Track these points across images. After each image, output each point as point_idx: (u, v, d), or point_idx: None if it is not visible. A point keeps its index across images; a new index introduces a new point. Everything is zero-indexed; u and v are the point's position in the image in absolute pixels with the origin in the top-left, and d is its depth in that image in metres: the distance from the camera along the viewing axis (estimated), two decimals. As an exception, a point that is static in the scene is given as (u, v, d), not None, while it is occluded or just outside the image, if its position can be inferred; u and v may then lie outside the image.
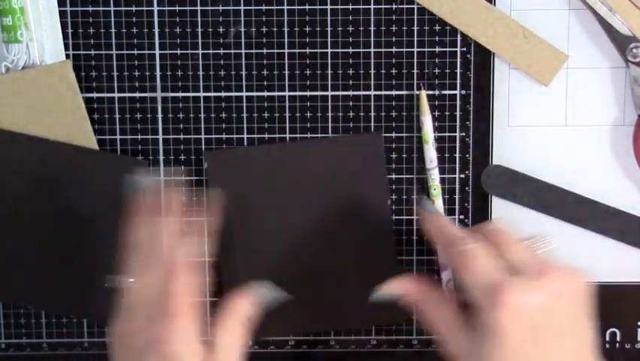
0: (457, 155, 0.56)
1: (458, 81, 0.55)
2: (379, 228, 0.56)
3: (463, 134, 0.56)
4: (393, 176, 0.56)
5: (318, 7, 0.55)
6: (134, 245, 0.49)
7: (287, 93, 0.55)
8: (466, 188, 0.56)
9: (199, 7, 0.55)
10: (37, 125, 0.55)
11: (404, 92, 0.55)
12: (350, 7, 0.54)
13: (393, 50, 0.55)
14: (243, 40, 0.55)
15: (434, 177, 0.55)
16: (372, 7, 0.55)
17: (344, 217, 0.56)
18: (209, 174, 0.56)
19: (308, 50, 0.55)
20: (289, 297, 0.54)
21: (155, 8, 0.55)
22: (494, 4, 0.54)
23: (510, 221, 0.52)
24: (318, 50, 0.55)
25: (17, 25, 0.53)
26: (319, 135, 0.55)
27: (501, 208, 0.56)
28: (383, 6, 0.54)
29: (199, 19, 0.55)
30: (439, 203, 0.56)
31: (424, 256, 0.57)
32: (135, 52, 0.55)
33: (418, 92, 0.55)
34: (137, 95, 0.55)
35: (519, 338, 0.44)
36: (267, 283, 0.53)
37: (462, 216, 0.56)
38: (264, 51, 0.55)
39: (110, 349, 0.48)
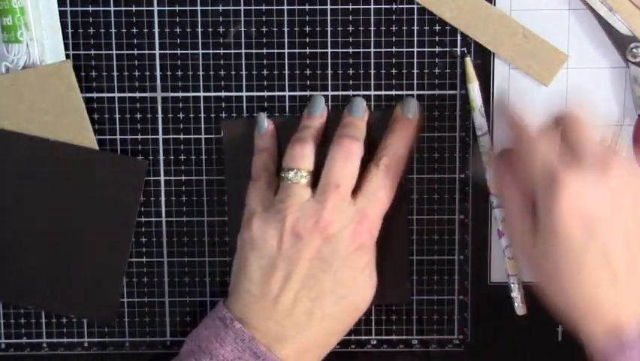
0: (457, 155, 0.56)
1: (458, 81, 0.55)
2: (393, 215, 0.55)
3: (463, 134, 0.56)
4: (394, 176, 0.56)
5: (318, 7, 0.54)
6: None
7: (287, 93, 0.55)
8: (466, 188, 0.56)
9: (199, 7, 0.55)
10: (37, 125, 0.55)
11: (404, 92, 0.55)
12: (350, 7, 0.54)
13: (393, 50, 0.55)
14: (243, 40, 0.55)
15: (484, 144, 0.55)
16: (372, 7, 0.55)
17: None
18: (224, 142, 0.55)
19: (308, 50, 0.55)
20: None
21: (155, 8, 0.55)
22: (494, 4, 0.54)
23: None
24: (318, 50, 0.55)
25: (17, 25, 0.53)
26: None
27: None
28: (383, 6, 0.54)
29: (199, 19, 0.55)
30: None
31: (424, 255, 0.57)
32: (135, 52, 0.55)
33: (461, 59, 0.55)
34: (137, 95, 0.55)
35: (576, 233, 0.44)
36: None
37: (462, 216, 0.56)
38: (264, 51, 0.55)
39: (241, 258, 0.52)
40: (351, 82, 0.55)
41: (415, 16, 0.55)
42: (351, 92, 0.55)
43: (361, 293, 0.52)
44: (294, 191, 0.51)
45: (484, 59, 0.55)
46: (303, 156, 0.51)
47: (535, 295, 0.50)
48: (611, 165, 0.45)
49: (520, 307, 0.55)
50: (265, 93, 0.55)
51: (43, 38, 0.54)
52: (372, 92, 0.55)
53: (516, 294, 0.55)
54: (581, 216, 0.44)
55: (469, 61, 0.54)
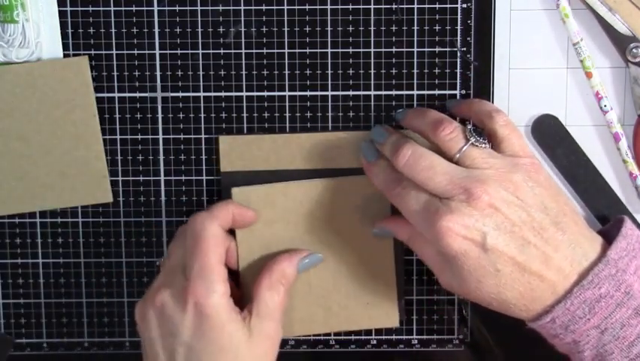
0: (457, 155, 0.56)
1: (458, 81, 0.55)
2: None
3: (463, 134, 0.56)
4: (393, 176, 0.56)
5: (318, 7, 0.55)
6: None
7: (287, 93, 0.55)
8: (466, 188, 0.56)
9: (199, 7, 0.55)
10: (46, 118, 0.55)
11: (404, 92, 0.55)
12: (350, 7, 0.55)
13: (394, 50, 0.55)
14: (243, 40, 0.55)
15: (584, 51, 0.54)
16: (372, 7, 0.55)
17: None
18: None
19: (308, 50, 0.55)
20: (320, 257, 0.55)
21: (155, 8, 0.55)
22: (494, 4, 0.54)
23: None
24: (318, 50, 0.55)
25: (14, 5, 0.53)
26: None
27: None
28: (383, 6, 0.54)
29: (199, 19, 0.55)
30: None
31: (424, 256, 0.57)
32: (135, 52, 0.55)
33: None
34: (137, 95, 0.56)
35: (473, 254, 0.47)
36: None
37: (462, 216, 0.56)
38: (264, 51, 0.55)
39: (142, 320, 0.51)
40: (351, 82, 0.55)
41: (415, 16, 0.55)
42: (351, 92, 0.55)
43: None
44: None
45: (484, 59, 0.55)
46: None
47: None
48: (472, 189, 0.47)
49: None
50: (265, 93, 0.56)
51: (39, 19, 0.54)
52: (372, 92, 0.55)
53: None
54: (469, 239, 0.47)
55: None
